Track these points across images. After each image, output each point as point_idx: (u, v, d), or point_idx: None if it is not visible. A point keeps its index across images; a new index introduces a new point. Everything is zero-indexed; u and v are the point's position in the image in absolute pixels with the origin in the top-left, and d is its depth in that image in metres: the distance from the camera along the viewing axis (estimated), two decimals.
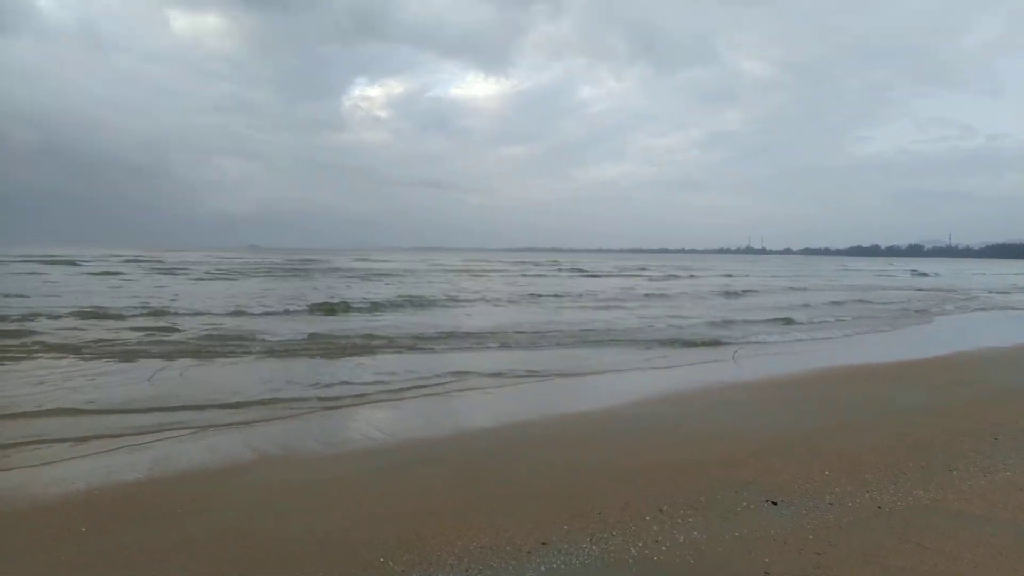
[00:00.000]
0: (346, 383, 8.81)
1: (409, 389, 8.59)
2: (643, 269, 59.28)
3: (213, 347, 11.58)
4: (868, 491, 4.64)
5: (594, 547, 3.84)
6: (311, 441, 6.27)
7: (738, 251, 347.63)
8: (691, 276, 47.62)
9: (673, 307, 22.46)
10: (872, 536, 3.95)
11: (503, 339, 13.42)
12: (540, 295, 26.57)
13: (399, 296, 23.68)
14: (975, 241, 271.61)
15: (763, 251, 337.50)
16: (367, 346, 12.16)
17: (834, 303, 24.86)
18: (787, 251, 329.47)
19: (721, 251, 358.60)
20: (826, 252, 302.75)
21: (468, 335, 13.90)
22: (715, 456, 5.59)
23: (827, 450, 5.72)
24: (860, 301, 25.98)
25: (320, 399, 7.89)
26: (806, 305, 23.66)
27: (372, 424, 6.88)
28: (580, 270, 52.46)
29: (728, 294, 29.53)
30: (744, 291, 31.39)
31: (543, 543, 3.88)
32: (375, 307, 19.84)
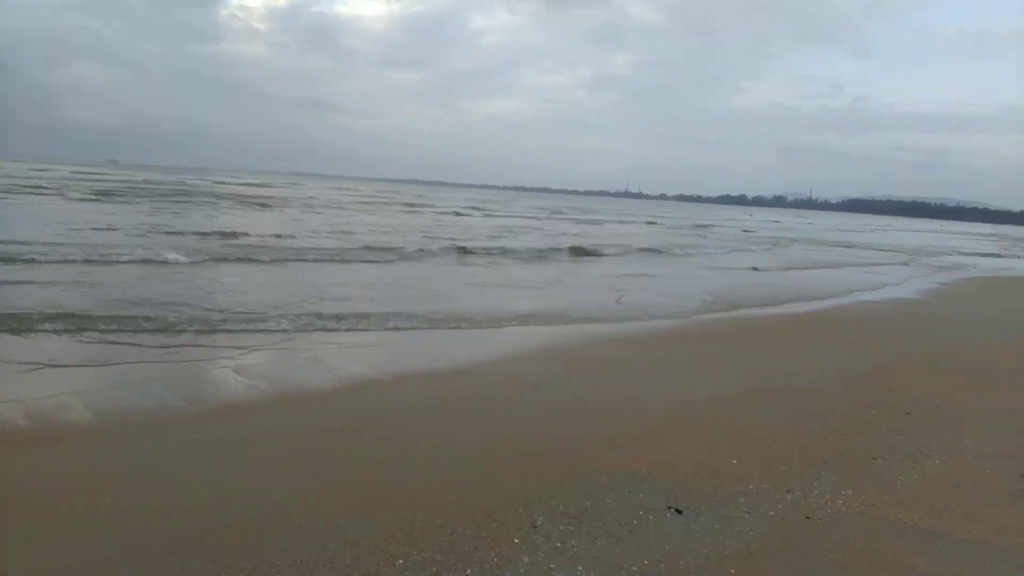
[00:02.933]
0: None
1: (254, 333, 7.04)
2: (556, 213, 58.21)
3: None
4: (789, 491, 3.71)
5: None
6: None
7: (616, 194, 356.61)
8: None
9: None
10: (807, 564, 2.99)
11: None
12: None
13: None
14: (833, 196, 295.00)
15: (640, 195, 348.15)
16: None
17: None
18: (663, 196, 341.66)
19: (601, 193, 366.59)
20: (698, 200, 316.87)
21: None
22: (604, 434, 4.51)
23: (732, 427, 4.81)
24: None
25: None
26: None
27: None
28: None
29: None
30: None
31: None
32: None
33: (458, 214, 38.48)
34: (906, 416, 5.19)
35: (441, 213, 38.60)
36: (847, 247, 32.47)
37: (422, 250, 16.74)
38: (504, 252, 18.00)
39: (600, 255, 19.50)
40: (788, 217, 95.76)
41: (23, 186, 30.81)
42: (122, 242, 13.88)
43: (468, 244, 18.62)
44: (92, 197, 28.41)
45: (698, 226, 45.02)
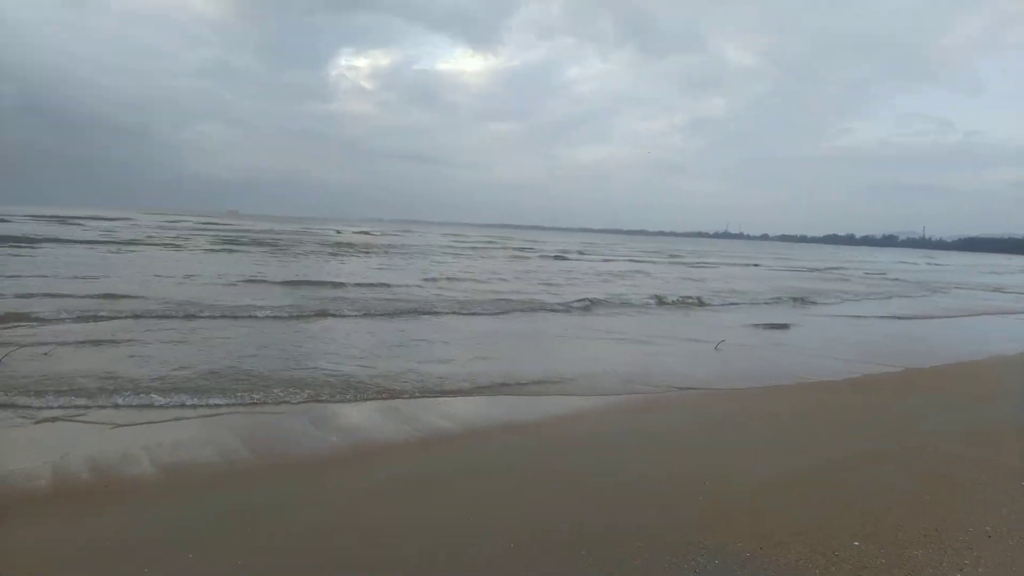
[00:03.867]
0: None
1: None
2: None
3: None
4: None
5: None
6: None
7: (715, 235, 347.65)
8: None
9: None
10: None
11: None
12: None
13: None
14: (948, 234, 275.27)
15: (740, 236, 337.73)
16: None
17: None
18: (764, 237, 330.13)
19: (699, 235, 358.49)
20: (802, 239, 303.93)
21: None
22: (697, 510, 4.03)
23: (841, 498, 4.21)
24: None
25: None
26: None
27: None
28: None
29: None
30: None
31: None
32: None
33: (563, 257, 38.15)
34: None
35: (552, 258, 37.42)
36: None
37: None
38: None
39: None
40: (912, 257, 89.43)
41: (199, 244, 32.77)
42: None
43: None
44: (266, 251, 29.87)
45: (828, 269, 41.93)
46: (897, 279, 33.64)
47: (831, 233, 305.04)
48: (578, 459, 5.01)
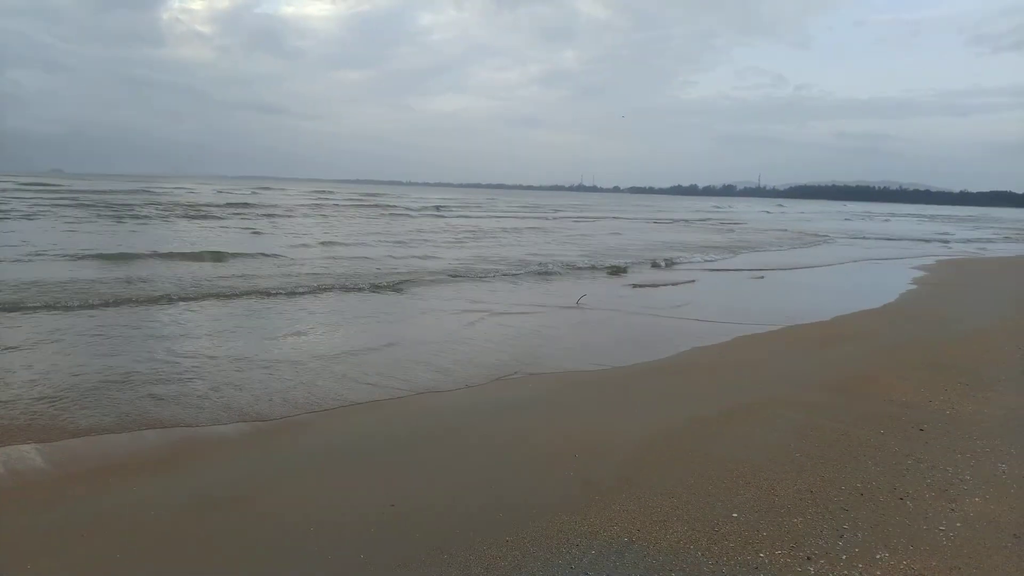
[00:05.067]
0: None
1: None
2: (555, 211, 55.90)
3: None
4: (810, 558, 2.87)
5: None
6: None
7: (571, 188, 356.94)
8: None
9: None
10: None
11: None
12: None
13: None
14: (780, 183, 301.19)
15: (594, 188, 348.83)
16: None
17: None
18: (616, 189, 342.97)
19: (555, 187, 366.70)
20: (650, 191, 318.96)
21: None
22: (570, 488, 3.62)
23: (717, 455, 4.00)
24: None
25: None
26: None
27: None
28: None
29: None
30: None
31: None
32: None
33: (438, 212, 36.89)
34: (920, 433, 4.43)
35: (431, 215, 36.28)
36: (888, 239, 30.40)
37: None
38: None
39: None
40: (760, 206, 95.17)
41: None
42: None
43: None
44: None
45: (688, 221, 42.78)
46: (784, 229, 35.20)
47: (677, 184, 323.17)
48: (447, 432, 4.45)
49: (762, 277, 14.36)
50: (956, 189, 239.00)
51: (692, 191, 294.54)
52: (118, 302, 8.62)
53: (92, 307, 8.30)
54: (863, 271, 16.79)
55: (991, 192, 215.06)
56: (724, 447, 4.18)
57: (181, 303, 8.80)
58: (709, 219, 45.81)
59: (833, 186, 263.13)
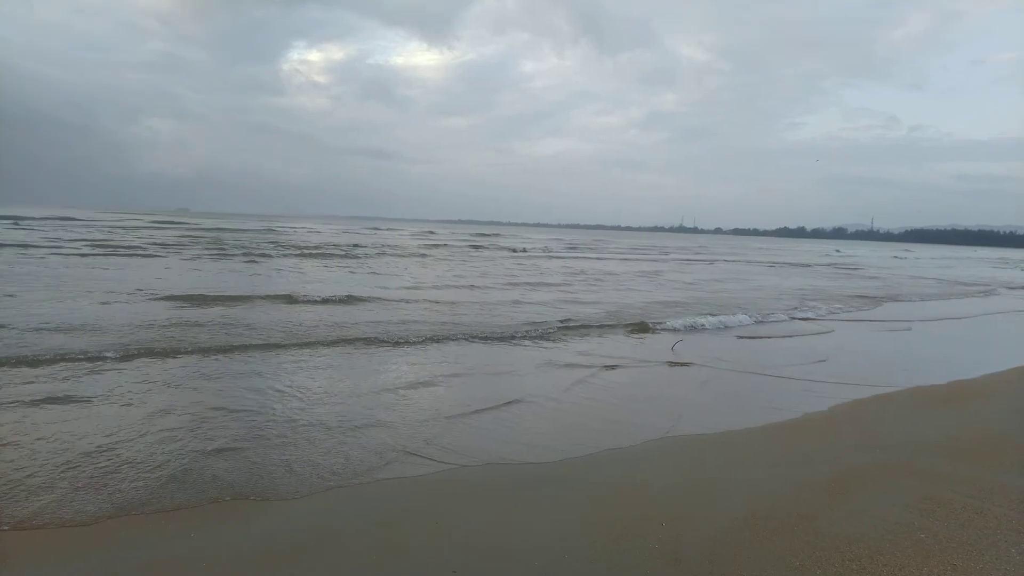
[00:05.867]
0: None
1: None
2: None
3: None
4: None
5: None
6: None
7: (671, 229, 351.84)
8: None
9: None
10: None
11: None
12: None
13: None
14: (894, 226, 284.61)
15: (695, 229, 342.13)
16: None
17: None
18: (718, 231, 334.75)
19: (656, 228, 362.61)
20: (754, 233, 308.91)
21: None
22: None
23: (826, 531, 3.56)
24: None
25: None
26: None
27: None
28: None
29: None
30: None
31: None
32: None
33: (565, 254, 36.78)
34: None
35: (551, 258, 35.68)
36: None
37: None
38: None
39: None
40: (881, 250, 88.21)
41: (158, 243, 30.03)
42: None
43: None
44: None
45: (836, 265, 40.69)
46: (934, 278, 31.00)
47: (782, 226, 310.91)
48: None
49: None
50: None
51: (799, 233, 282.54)
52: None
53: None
54: None
55: None
56: (834, 523, 3.70)
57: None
58: (834, 263, 43.04)
59: (952, 230, 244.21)
